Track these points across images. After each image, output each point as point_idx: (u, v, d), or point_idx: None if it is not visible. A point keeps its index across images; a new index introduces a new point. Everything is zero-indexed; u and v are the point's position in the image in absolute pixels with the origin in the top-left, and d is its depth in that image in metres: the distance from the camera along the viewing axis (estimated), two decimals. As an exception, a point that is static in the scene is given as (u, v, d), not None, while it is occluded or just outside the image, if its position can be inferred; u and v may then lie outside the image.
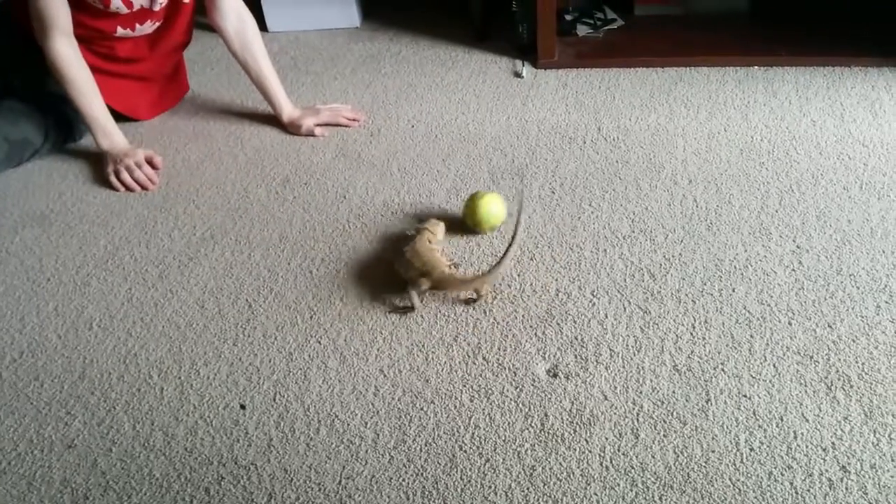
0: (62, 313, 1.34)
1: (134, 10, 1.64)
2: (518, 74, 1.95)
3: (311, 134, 1.78)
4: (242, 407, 1.14)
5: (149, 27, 1.73)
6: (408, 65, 2.04)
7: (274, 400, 1.15)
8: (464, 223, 1.43)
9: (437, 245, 1.35)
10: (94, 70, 1.66)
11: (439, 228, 1.38)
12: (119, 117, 1.76)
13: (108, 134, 1.68)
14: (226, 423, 1.12)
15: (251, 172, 1.67)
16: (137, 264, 1.43)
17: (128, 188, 1.64)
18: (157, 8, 1.68)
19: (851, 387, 1.07)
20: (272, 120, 1.84)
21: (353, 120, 1.81)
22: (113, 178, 1.65)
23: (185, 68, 1.99)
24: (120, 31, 1.68)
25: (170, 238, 1.49)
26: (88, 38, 1.67)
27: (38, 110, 1.72)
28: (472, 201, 1.41)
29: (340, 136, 1.77)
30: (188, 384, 1.18)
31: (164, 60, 1.86)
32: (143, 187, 1.64)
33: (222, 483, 1.04)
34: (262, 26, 2.23)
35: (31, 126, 1.71)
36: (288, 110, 1.80)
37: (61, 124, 1.75)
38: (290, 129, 1.80)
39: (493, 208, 1.40)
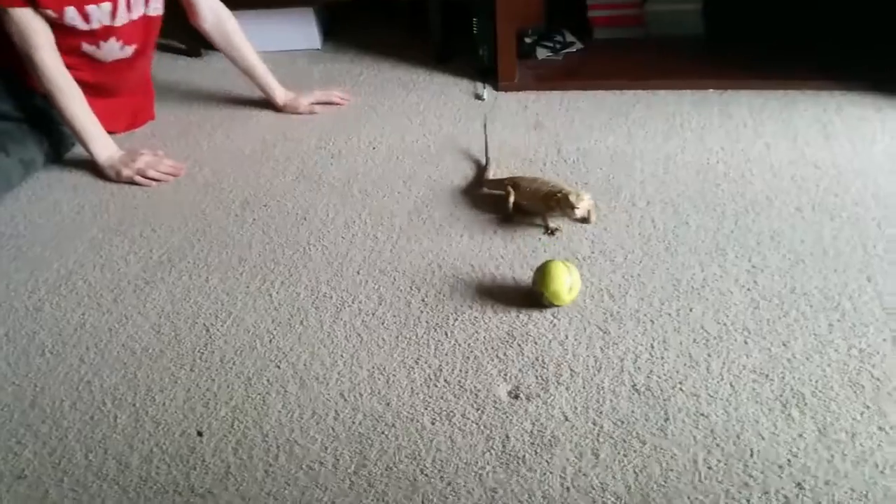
0: (13, 339, 1.30)
1: (93, 25, 1.64)
2: (479, 97, 1.96)
3: (311, 112, 1.92)
4: (199, 434, 1.12)
5: (118, 48, 1.72)
6: (369, 87, 2.05)
7: (232, 426, 1.12)
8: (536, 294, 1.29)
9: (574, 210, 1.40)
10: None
11: (583, 201, 1.40)
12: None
13: (104, 142, 1.72)
14: (182, 450, 1.09)
15: (209, 194, 1.65)
16: (91, 289, 1.40)
17: (160, 181, 1.70)
18: (119, 23, 1.68)
19: (806, 404, 1.09)
20: (231, 142, 1.83)
21: (345, 99, 1.96)
22: (140, 179, 1.69)
23: (152, 95, 1.98)
24: (85, 47, 1.69)
25: (125, 262, 1.47)
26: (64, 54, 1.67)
27: (35, 128, 1.73)
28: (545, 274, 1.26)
29: (300, 157, 1.76)
30: (143, 411, 1.16)
31: (131, 76, 1.88)
32: (176, 176, 1.72)
33: (177, 513, 1.01)
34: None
35: (35, 145, 1.73)
36: (281, 93, 1.93)
37: (54, 141, 1.77)
38: (287, 110, 1.93)
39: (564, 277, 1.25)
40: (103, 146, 1.71)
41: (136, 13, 1.71)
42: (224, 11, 1.87)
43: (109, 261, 1.47)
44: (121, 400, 1.18)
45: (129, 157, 1.71)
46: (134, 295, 1.38)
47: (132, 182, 1.70)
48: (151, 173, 1.70)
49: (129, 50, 1.76)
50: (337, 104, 1.96)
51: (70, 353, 1.27)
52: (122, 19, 1.69)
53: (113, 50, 1.72)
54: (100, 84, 1.76)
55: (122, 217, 1.60)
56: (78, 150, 1.78)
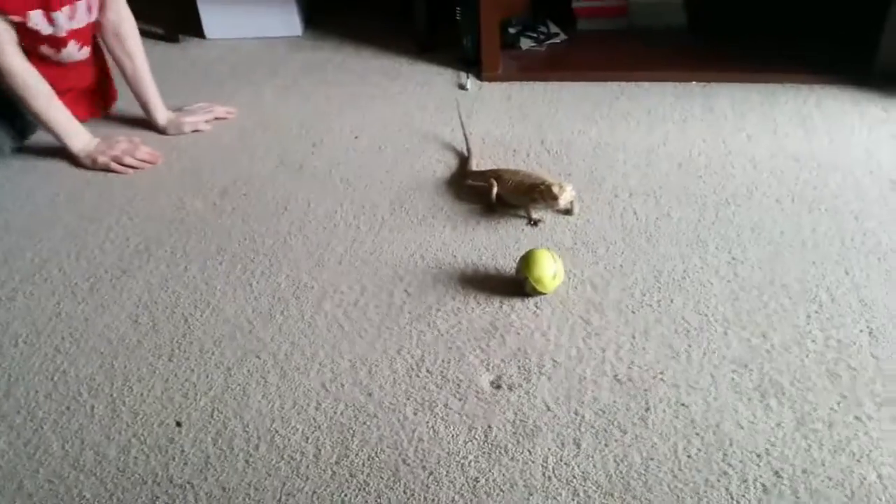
0: (-14, 329, 1.28)
1: (57, 32, 1.61)
2: (462, 87, 1.95)
3: (196, 129, 1.83)
4: (178, 424, 1.10)
5: (76, 51, 1.69)
6: (351, 75, 2.03)
7: (211, 416, 1.11)
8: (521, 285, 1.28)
9: (555, 202, 1.40)
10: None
11: (565, 192, 1.40)
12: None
13: (78, 133, 1.69)
14: (160, 440, 1.08)
15: (188, 182, 1.63)
16: (66, 278, 1.38)
17: (136, 168, 1.69)
18: (77, 26, 1.65)
19: (784, 394, 1.10)
20: (209, 129, 1.80)
21: (230, 112, 1.89)
22: (116, 166, 1.67)
23: (111, 75, 1.94)
24: (43, 49, 1.64)
25: (101, 250, 1.44)
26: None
27: None
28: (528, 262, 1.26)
29: (281, 146, 1.74)
30: (120, 401, 1.14)
31: (87, 72, 1.84)
32: (153, 163, 1.70)
33: (157, 503, 1.00)
34: (200, 33, 2.19)
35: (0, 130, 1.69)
36: (164, 114, 1.84)
37: (17, 127, 1.73)
38: (170, 131, 1.83)
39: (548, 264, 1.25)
40: (77, 138, 1.68)
41: (95, 14, 1.69)
42: (127, 12, 1.78)
43: (85, 249, 1.45)
44: (97, 390, 1.16)
45: (106, 145, 1.69)
46: (110, 284, 1.36)
47: (108, 169, 1.67)
48: (128, 160, 1.68)
49: (87, 51, 1.74)
50: (221, 118, 1.87)
51: (45, 342, 1.25)
52: (80, 21, 1.65)
53: (72, 54, 1.69)
54: (56, 84, 1.71)
55: (97, 205, 1.57)
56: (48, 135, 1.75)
